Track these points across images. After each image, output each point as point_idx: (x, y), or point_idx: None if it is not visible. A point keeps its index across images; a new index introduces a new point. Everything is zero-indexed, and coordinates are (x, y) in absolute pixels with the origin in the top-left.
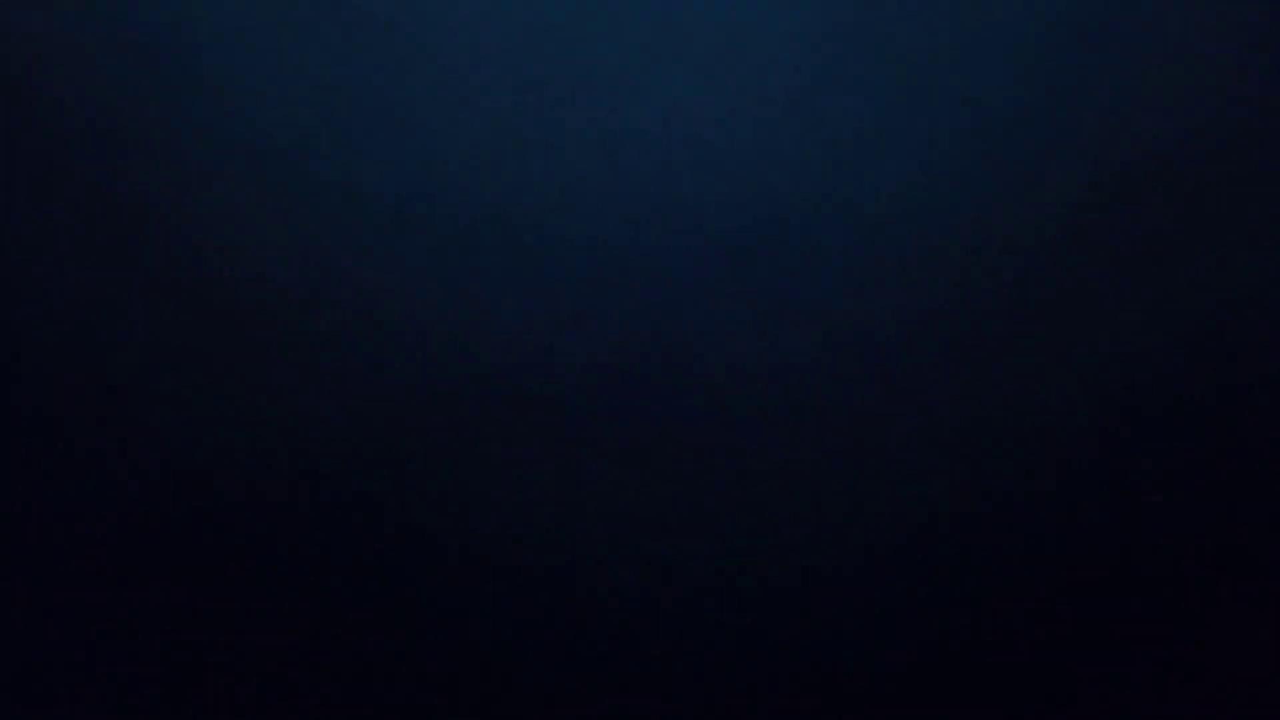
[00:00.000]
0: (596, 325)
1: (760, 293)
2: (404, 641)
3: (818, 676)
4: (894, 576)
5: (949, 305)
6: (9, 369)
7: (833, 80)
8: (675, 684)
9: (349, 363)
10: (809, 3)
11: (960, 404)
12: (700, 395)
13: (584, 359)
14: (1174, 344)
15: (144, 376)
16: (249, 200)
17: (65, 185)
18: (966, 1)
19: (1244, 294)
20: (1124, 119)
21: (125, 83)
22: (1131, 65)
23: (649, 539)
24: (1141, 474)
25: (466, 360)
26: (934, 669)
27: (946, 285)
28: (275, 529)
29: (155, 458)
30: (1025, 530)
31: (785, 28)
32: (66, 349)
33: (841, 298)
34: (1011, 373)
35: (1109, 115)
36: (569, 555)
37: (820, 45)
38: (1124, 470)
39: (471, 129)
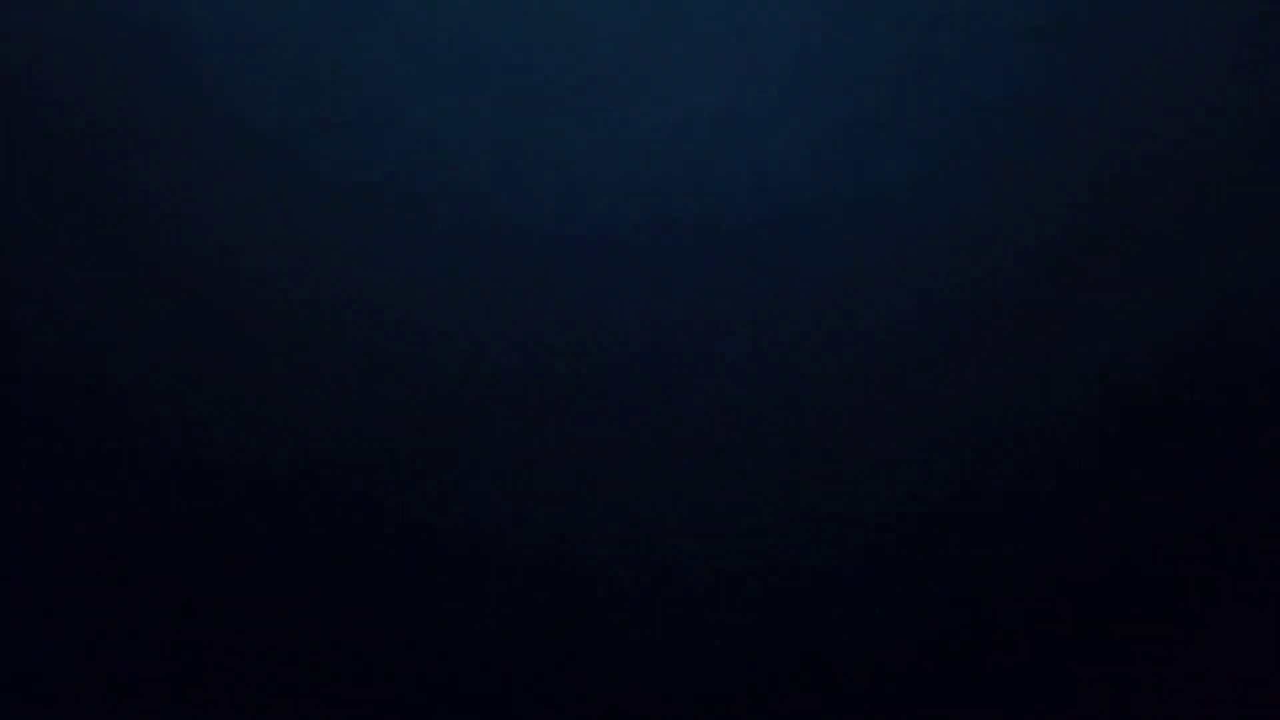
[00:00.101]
0: (596, 322)
1: (761, 290)
2: (404, 640)
3: (818, 676)
4: (895, 574)
5: (950, 302)
6: (9, 368)
7: (833, 77)
8: (675, 683)
9: (349, 361)
10: None
11: (962, 400)
12: (701, 392)
13: (583, 356)
14: (1174, 342)
15: (143, 375)
16: (248, 198)
17: (63, 181)
18: None
19: (1244, 294)
20: (1125, 116)
21: (124, 80)
22: (1133, 61)
23: (650, 537)
24: (1142, 473)
25: (467, 356)
26: (934, 668)
27: (948, 282)
28: (275, 528)
29: (154, 456)
30: (1027, 528)
31: (786, 23)
32: (65, 347)
33: (843, 295)
34: (1013, 369)
35: (1110, 112)
36: (569, 554)
37: (821, 41)
38: (1124, 469)
39: (473, 125)
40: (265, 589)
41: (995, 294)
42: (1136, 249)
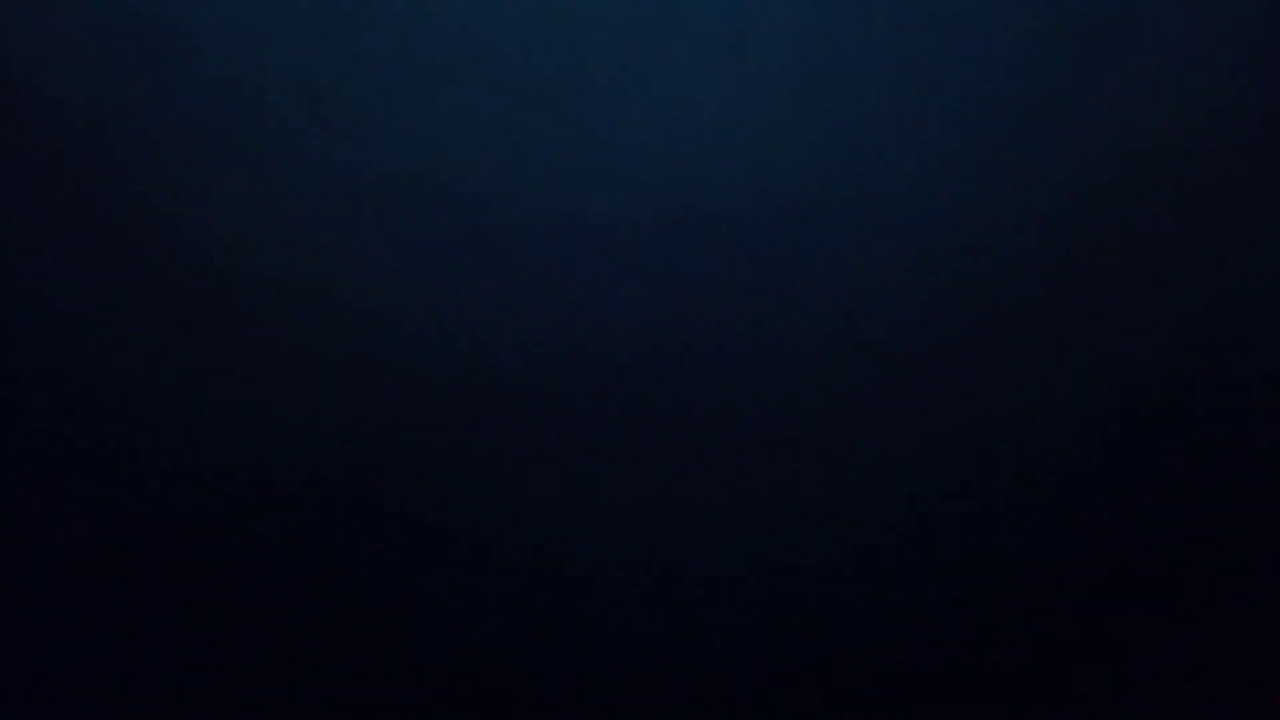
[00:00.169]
0: (597, 322)
1: (761, 290)
2: (404, 640)
3: (818, 675)
4: (895, 574)
5: (950, 302)
6: (9, 368)
7: (833, 77)
8: (675, 683)
9: (348, 360)
10: None
11: (962, 400)
12: (701, 392)
13: (584, 356)
14: (1174, 342)
15: (143, 375)
16: (248, 198)
17: (62, 181)
18: None
19: (1244, 293)
20: (1125, 116)
21: (124, 80)
22: (1133, 61)
23: (650, 537)
24: (1142, 473)
25: (467, 356)
26: (934, 668)
27: (948, 282)
28: (275, 528)
29: (154, 456)
30: (1027, 528)
31: (786, 23)
32: (65, 347)
33: (843, 294)
34: (1013, 369)
35: (1110, 112)
36: (569, 554)
37: (821, 41)
38: (1124, 469)
39: (473, 124)
40: (265, 589)
41: (995, 294)
42: (1136, 249)
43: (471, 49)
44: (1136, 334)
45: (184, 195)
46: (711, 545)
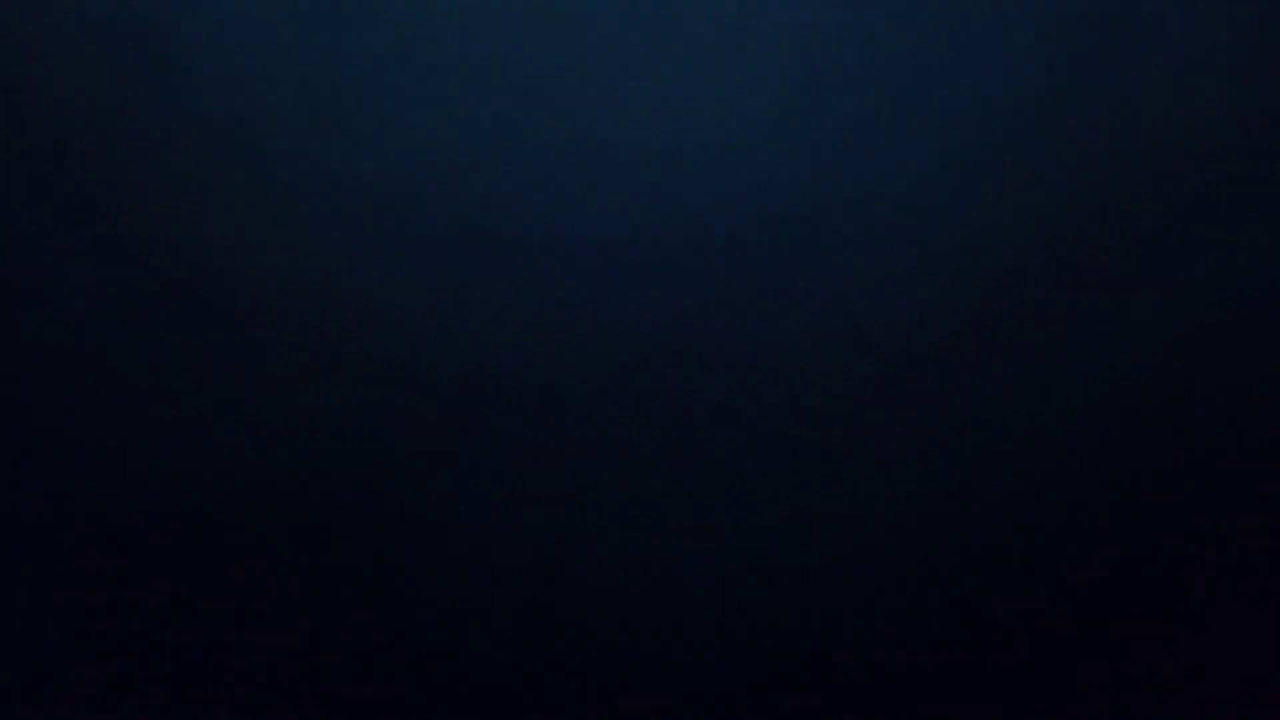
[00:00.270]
0: (597, 322)
1: (761, 290)
2: (404, 640)
3: (818, 675)
4: (895, 574)
5: (950, 302)
6: (9, 368)
7: (833, 77)
8: (675, 683)
9: (348, 359)
10: None
11: (962, 400)
12: (701, 392)
13: (584, 356)
14: (1174, 342)
15: (143, 375)
16: (248, 198)
17: (62, 181)
18: None
19: (1244, 293)
20: (1125, 116)
21: (124, 80)
22: (1133, 61)
23: (649, 537)
24: (1142, 473)
25: (467, 356)
26: (934, 668)
27: (948, 282)
28: (275, 527)
29: (154, 456)
30: (1027, 528)
31: (786, 24)
32: (65, 347)
33: (843, 294)
34: (1013, 369)
35: (1110, 112)
36: (569, 554)
37: (820, 42)
38: (1124, 469)
39: (473, 125)
40: (265, 589)
41: (995, 294)
42: (1136, 249)
43: (471, 50)
44: (1136, 334)
45: (184, 195)
46: (711, 545)
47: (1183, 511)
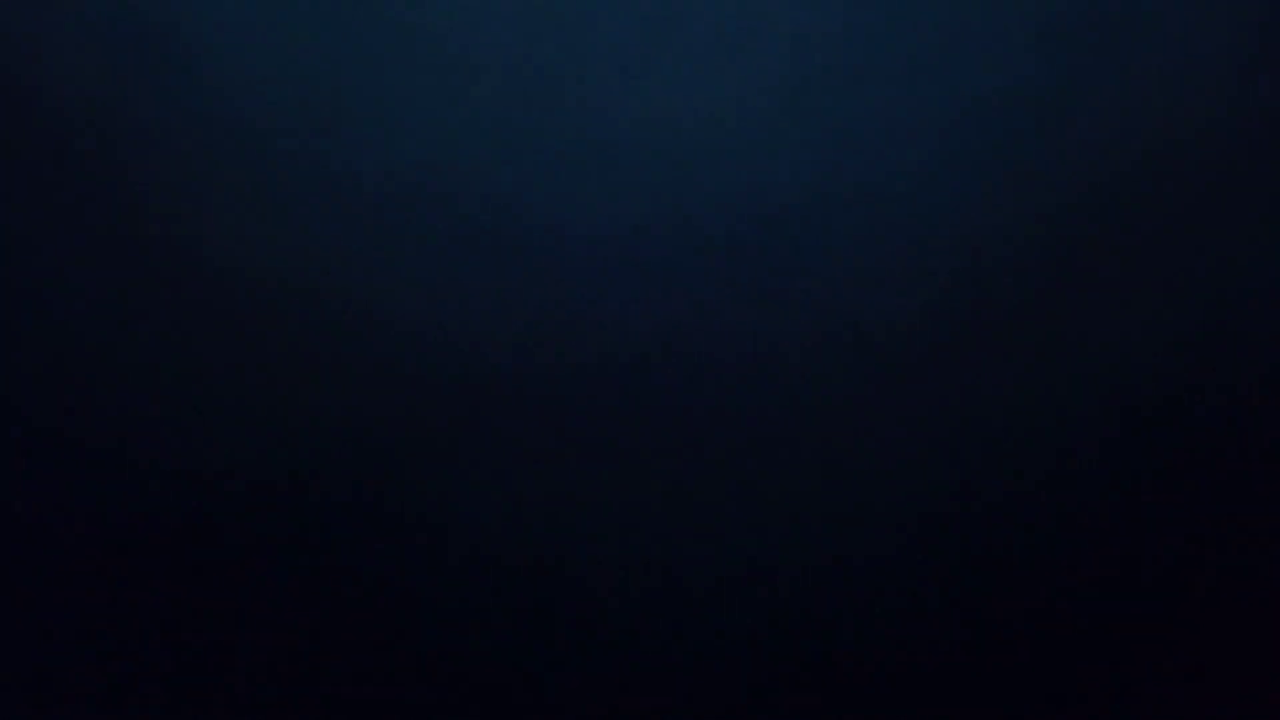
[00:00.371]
0: (597, 322)
1: (762, 288)
2: (404, 640)
3: (818, 675)
4: (895, 574)
5: (950, 302)
6: (9, 368)
7: (833, 77)
8: (675, 683)
9: (348, 360)
10: None
11: (962, 400)
12: (701, 393)
13: (584, 356)
14: (1174, 342)
15: (143, 375)
16: (248, 198)
17: (62, 181)
18: None
19: (1244, 293)
20: (1126, 116)
21: (123, 80)
22: (1133, 61)
23: (650, 537)
24: (1142, 472)
25: (467, 356)
26: (934, 668)
27: (948, 282)
28: (275, 528)
29: (154, 456)
30: (1027, 528)
31: (785, 21)
32: (65, 347)
33: (843, 295)
34: (1013, 369)
35: (1111, 112)
36: (569, 554)
37: (820, 42)
38: (1124, 468)
39: (474, 126)
40: (265, 589)
41: (995, 294)
42: (1137, 249)
43: (471, 50)
44: (1137, 334)
45: (184, 195)
46: (711, 546)
47: (1183, 511)
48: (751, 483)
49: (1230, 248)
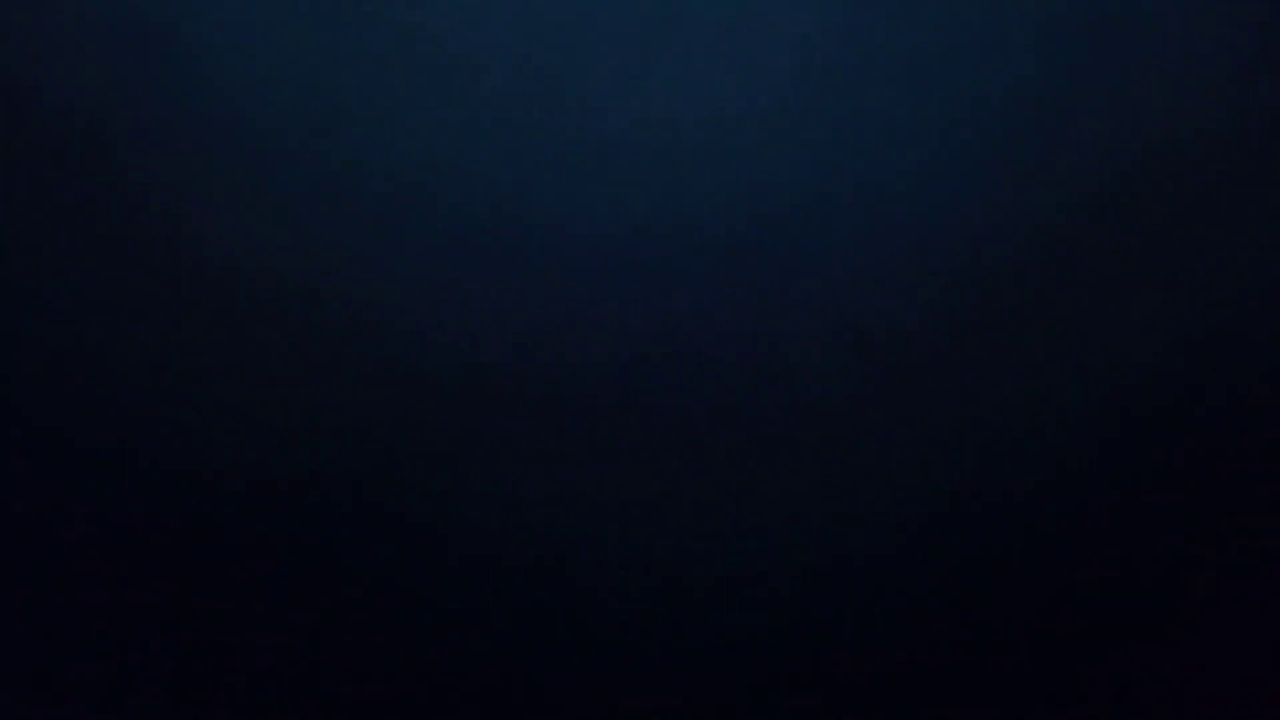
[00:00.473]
0: (597, 323)
1: (762, 288)
2: (404, 640)
3: (819, 676)
4: (895, 574)
5: (950, 302)
6: (9, 368)
7: (833, 77)
8: (675, 683)
9: (348, 361)
10: None
11: (962, 400)
12: (701, 393)
13: (584, 357)
14: (1174, 342)
15: (143, 376)
16: (248, 198)
17: (62, 182)
18: None
19: (1244, 293)
20: (1126, 116)
21: (123, 80)
22: (1133, 61)
23: (650, 537)
24: (1142, 473)
25: (467, 356)
26: (935, 668)
27: (948, 282)
28: (275, 529)
29: (154, 456)
30: (1027, 528)
31: (786, 22)
32: (65, 347)
33: (843, 295)
34: (1013, 369)
35: (1111, 112)
36: (569, 554)
37: (820, 42)
38: (1124, 469)
39: (474, 126)
40: (265, 589)
41: (995, 294)
42: (1137, 249)
43: (471, 50)
44: (1137, 334)
45: (184, 195)
46: (711, 546)
47: (1183, 512)
48: (751, 483)
49: (1230, 248)
